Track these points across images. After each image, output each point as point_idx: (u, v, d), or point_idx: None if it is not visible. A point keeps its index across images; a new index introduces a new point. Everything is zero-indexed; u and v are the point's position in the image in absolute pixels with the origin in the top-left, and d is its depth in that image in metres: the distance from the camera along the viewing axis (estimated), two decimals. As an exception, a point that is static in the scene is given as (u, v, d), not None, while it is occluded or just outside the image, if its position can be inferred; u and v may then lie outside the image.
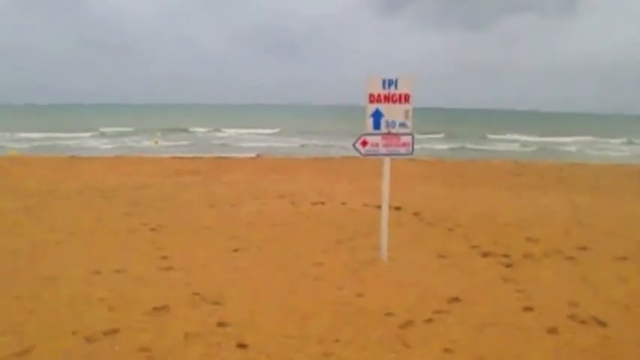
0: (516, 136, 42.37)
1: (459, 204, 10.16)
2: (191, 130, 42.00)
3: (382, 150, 5.95)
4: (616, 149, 35.14)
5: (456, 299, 4.76)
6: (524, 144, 37.13)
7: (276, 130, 43.01)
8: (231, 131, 41.84)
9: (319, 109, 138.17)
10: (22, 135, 37.43)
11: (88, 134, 38.79)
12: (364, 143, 5.93)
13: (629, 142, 39.80)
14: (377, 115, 5.93)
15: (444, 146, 32.92)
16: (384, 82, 5.93)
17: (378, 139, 5.93)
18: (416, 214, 8.83)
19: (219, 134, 40.03)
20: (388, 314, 4.34)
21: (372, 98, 5.91)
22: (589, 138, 42.09)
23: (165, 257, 5.88)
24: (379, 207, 9.69)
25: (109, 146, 30.86)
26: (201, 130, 41.53)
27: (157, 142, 32.21)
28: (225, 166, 18.22)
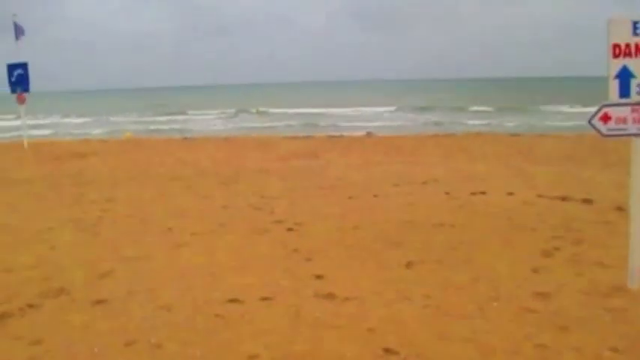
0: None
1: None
2: (296, 109, 40.66)
3: (632, 128, 4.01)
4: None
5: None
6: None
7: (392, 108, 39.80)
8: (337, 110, 39.56)
9: (418, 82, 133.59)
10: (134, 118, 38.62)
11: (193, 116, 39.23)
12: (605, 118, 4.05)
13: None
14: (624, 76, 4.01)
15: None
16: (635, 25, 3.98)
17: (626, 111, 4.01)
18: (619, 209, 6.71)
19: (326, 111, 38.44)
20: None
21: (617, 50, 3.98)
22: None
23: (319, 276, 4.39)
24: (561, 199, 7.76)
25: (218, 127, 30.73)
26: (308, 110, 39.75)
27: (257, 111, 31.59)
28: (341, 146, 16.78)
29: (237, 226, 6.16)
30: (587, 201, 7.24)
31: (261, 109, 39.37)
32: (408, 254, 4.95)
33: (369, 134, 22.29)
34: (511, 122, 27.90)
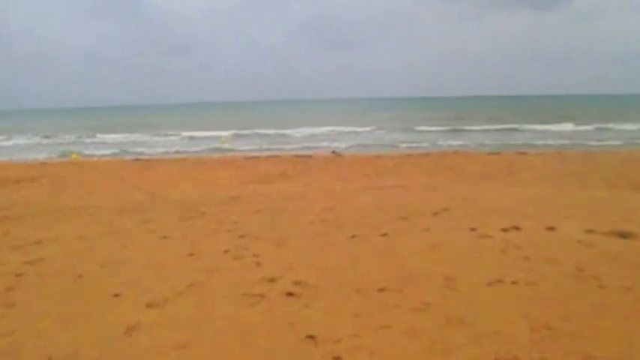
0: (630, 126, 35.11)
1: None
2: (260, 129, 38.07)
3: None
4: None
5: None
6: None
7: (368, 129, 37.43)
8: (306, 129, 37.10)
9: (382, 101, 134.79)
10: (82, 139, 35.95)
11: (153, 136, 36.75)
12: None
13: None
14: None
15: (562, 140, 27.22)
16: None
17: None
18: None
19: (292, 132, 36.24)
20: None
21: None
22: None
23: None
24: (618, 235, 6.26)
25: (174, 148, 28.53)
26: (270, 131, 37.17)
27: (224, 142, 29.49)
28: (313, 168, 15.17)
29: (213, 290, 4.35)
30: (649, 239, 5.81)
31: (225, 134, 36.42)
32: (484, 340, 3.27)
33: (336, 154, 20.74)
34: (489, 141, 26.85)
